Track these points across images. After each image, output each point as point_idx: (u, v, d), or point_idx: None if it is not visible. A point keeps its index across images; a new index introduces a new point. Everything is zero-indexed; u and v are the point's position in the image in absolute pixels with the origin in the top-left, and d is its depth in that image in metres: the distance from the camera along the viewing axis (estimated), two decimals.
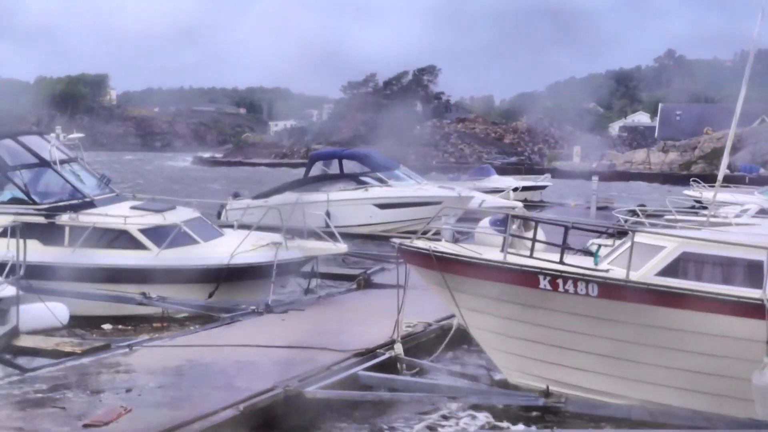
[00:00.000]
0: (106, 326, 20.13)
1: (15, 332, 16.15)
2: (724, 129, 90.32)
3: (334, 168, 36.74)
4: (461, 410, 12.55)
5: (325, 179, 36.02)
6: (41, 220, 21.93)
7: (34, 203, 22.37)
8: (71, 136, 27.99)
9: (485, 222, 16.49)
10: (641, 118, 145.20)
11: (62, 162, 23.85)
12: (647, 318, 10.70)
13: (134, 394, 11.87)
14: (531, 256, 11.25)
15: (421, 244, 12.76)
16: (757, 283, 10.49)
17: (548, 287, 11.01)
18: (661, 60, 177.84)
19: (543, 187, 52.32)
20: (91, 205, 22.95)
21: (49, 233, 21.75)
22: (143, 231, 21.97)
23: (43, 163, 23.49)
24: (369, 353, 14.50)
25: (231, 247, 21.75)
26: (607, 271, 11.08)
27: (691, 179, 34.39)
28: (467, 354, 15.97)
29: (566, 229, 11.31)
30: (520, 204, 37.99)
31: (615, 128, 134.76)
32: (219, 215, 33.05)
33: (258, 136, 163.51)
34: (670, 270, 10.79)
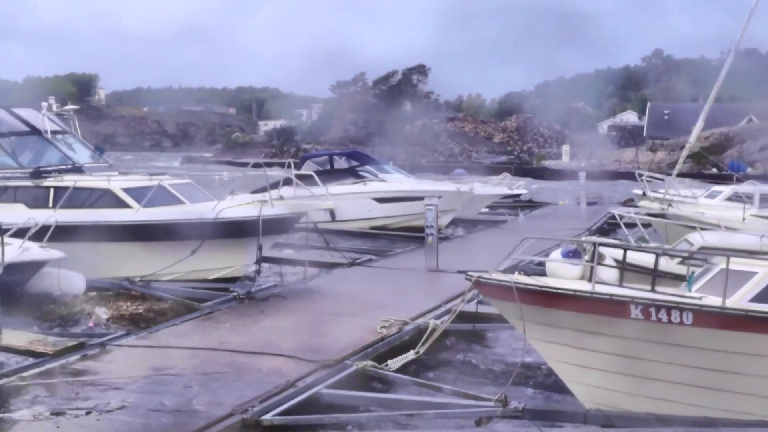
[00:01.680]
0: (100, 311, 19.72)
1: None
2: (712, 128, 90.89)
3: (324, 167, 36.89)
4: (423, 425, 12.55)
5: (323, 173, 36.30)
6: (28, 184, 22.08)
7: (21, 167, 22.52)
8: (65, 108, 27.99)
9: (556, 254, 16.43)
10: (629, 117, 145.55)
11: (55, 133, 23.99)
12: (743, 346, 10.46)
13: (93, 418, 11.67)
14: (621, 285, 11.03)
15: (500, 276, 12.25)
16: None
17: (640, 317, 10.75)
18: (649, 59, 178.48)
19: (517, 196, 52.58)
20: (79, 171, 23.08)
21: (34, 196, 21.81)
22: (126, 190, 22.01)
23: (34, 131, 23.59)
24: (337, 364, 14.41)
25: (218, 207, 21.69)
26: (700, 298, 10.80)
27: (637, 173, 34.25)
28: (440, 355, 16.19)
29: (657, 255, 11.21)
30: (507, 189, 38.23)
31: (604, 127, 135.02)
32: None
33: (247, 136, 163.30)
34: (764, 296, 10.62)
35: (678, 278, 13.56)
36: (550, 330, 11.83)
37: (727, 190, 31.30)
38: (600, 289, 11.12)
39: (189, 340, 16.15)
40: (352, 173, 35.11)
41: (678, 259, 18.22)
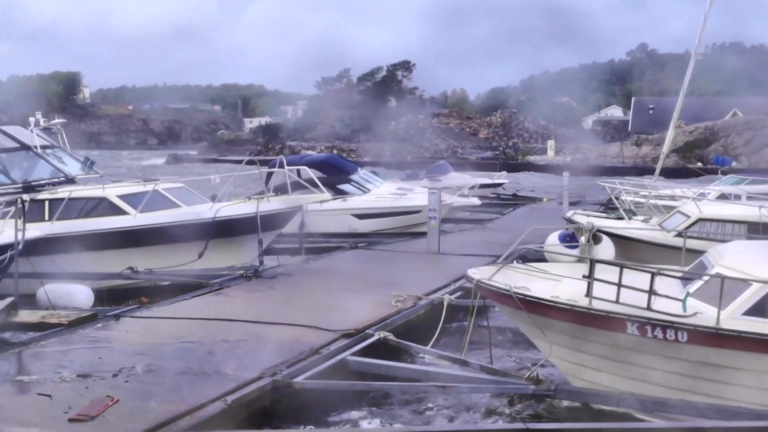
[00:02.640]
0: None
1: (14, 306, 15.98)
2: (697, 122, 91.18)
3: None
4: (452, 398, 12.66)
5: (303, 187, 36.12)
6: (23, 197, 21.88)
7: (14, 183, 22.46)
8: (53, 122, 27.94)
9: (554, 237, 16.33)
10: (615, 112, 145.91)
11: (44, 147, 23.93)
12: (738, 361, 10.86)
13: (121, 379, 11.57)
14: (617, 301, 11.19)
15: (500, 280, 12.51)
16: None
17: (636, 333, 11.14)
18: (633, 54, 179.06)
19: (500, 185, 52.38)
20: (72, 182, 23.06)
21: (29, 210, 21.76)
22: (121, 197, 21.94)
23: (24, 147, 23.54)
24: (358, 334, 14.39)
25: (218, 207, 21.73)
26: (694, 315, 11.08)
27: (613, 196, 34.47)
28: (458, 334, 15.96)
29: (652, 275, 11.21)
30: (478, 201, 38.06)
31: (589, 122, 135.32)
32: None
33: (233, 134, 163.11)
34: (757, 309, 10.91)
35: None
36: (553, 334, 12.15)
37: (713, 192, 31.40)
38: (597, 305, 11.37)
39: (203, 312, 16.07)
40: (332, 188, 35.03)
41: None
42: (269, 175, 35.87)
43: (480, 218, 37.84)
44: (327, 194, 22.50)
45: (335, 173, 35.84)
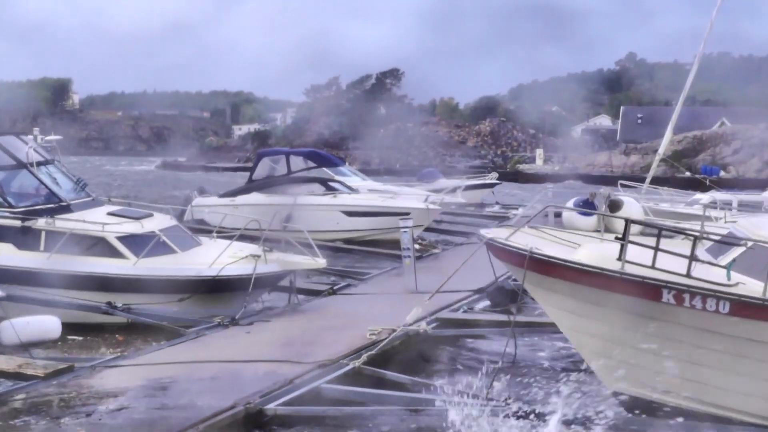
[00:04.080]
0: (72, 338, 19.61)
1: None
2: (685, 132, 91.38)
3: (281, 165, 36.74)
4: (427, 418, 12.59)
5: (293, 181, 36.01)
6: (16, 223, 21.52)
7: (10, 206, 22.05)
8: (48, 138, 27.77)
9: (570, 203, 15.88)
10: (603, 121, 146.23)
11: (39, 164, 23.58)
12: None
13: (95, 417, 11.67)
14: (653, 267, 10.34)
15: (516, 240, 11.67)
16: None
17: (672, 302, 10.33)
18: (622, 63, 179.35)
19: (492, 185, 52.40)
20: (67, 209, 22.63)
21: (24, 237, 21.35)
22: (120, 239, 21.63)
23: (20, 165, 23.28)
24: (333, 364, 14.43)
25: (209, 258, 21.46)
26: (737, 285, 10.30)
27: (618, 182, 34.04)
28: (431, 364, 16.15)
29: (695, 239, 10.46)
30: (463, 200, 38.24)
31: (578, 131, 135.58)
32: (183, 214, 32.54)
33: (222, 140, 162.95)
34: None
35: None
36: (571, 301, 11.32)
37: (705, 197, 31.50)
38: (630, 269, 10.52)
39: (179, 358, 16.01)
40: (323, 184, 34.99)
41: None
42: (255, 165, 36.00)
43: (464, 231, 37.08)
44: (323, 260, 22.17)
45: (323, 163, 36.04)
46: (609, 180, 74.39)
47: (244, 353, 15.84)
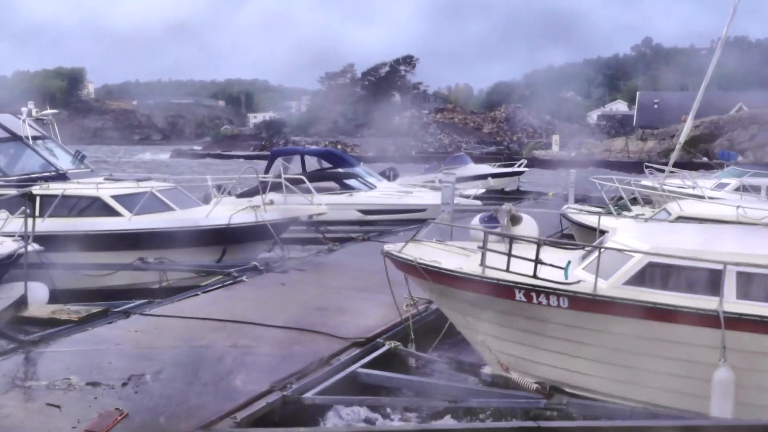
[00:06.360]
0: None
1: (23, 301, 15.88)
2: (702, 117, 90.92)
3: (295, 164, 36.52)
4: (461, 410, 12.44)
5: (310, 180, 35.88)
6: (11, 191, 21.27)
7: (5, 175, 22.28)
8: (44, 112, 27.64)
9: (476, 220, 16.51)
10: (619, 106, 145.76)
11: (35, 138, 23.65)
12: (615, 326, 11.39)
13: (130, 390, 11.39)
14: (507, 270, 11.88)
15: (409, 251, 13.35)
16: (717, 291, 10.95)
17: (523, 299, 11.78)
18: (638, 48, 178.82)
19: (520, 173, 52.19)
20: (63, 177, 22.83)
21: (19, 204, 21.43)
22: (115, 197, 21.63)
23: (15, 138, 23.30)
24: (369, 343, 14.29)
25: (214, 213, 21.58)
26: (577, 282, 11.72)
27: (645, 165, 34.32)
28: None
29: (538, 245, 11.98)
30: (479, 202, 38.02)
31: (593, 117, 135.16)
32: None
33: (236, 129, 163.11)
34: (637, 279, 11.38)
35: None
36: (456, 303, 12.96)
37: (734, 182, 31.23)
38: (489, 273, 12.04)
39: (213, 311, 15.84)
40: (339, 183, 34.78)
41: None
42: (269, 165, 35.76)
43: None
44: (324, 206, 22.26)
45: (339, 163, 35.80)
46: (625, 166, 74.37)
47: (278, 313, 15.72)
